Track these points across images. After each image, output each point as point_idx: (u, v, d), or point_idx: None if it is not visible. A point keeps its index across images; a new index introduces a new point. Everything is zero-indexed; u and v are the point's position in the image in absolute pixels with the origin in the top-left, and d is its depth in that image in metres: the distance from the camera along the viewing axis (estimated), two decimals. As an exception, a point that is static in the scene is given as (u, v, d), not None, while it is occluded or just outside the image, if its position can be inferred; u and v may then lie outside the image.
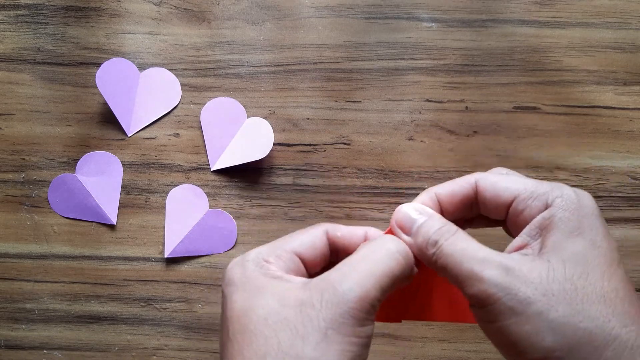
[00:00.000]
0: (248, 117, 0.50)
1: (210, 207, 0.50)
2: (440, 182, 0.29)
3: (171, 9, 0.50)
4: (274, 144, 0.49)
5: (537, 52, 0.49)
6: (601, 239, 0.25)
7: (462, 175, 0.49)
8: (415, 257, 0.27)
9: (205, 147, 0.50)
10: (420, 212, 0.27)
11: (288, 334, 0.23)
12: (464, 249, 0.25)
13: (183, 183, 0.50)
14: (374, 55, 0.49)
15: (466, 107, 0.49)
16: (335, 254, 0.29)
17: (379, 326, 0.49)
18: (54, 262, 0.50)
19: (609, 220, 0.48)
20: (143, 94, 0.50)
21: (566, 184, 0.27)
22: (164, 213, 0.49)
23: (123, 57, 0.50)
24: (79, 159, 0.50)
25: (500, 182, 0.27)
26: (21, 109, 0.50)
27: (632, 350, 0.22)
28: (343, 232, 0.29)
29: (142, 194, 0.50)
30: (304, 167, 0.49)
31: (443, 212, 0.28)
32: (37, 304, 0.50)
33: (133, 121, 0.50)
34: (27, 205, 0.50)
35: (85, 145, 0.50)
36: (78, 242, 0.50)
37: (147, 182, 0.50)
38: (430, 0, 0.49)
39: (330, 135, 0.49)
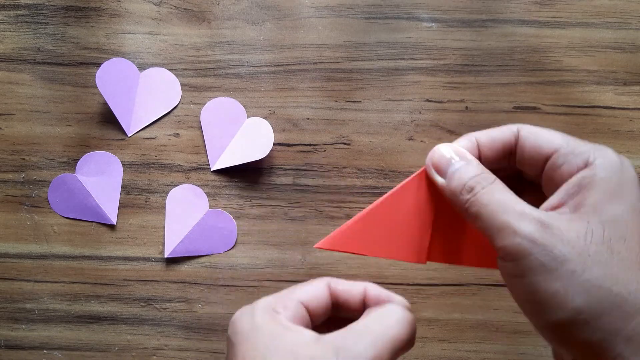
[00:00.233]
0: (248, 117, 0.50)
1: (210, 207, 0.50)
2: None
3: (171, 9, 0.50)
4: (274, 144, 0.49)
5: (537, 52, 0.49)
6: None
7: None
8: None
9: (205, 147, 0.50)
10: (458, 155, 0.27)
11: None
12: (501, 199, 0.24)
13: (183, 183, 0.50)
14: (374, 55, 0.49)
15: (466, 107, 0.49)
16: (335, 307, 0.29)
17: (379, 326, 0.49)
18: (54, 262, 0.50)
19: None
20: (143, 94, 0.50)
21: None
22: (164, 213, 0.49)
23: (123, 57, 0.50)
24: (79, 159, 0.50)
25: (543, 134, 0.26)
26: (21, 109, 0.50)
27: None
28: (344, 286, 0.29)
29: (142, 194, 0.50)
30: (304, 167, 0.49)
31: (481, 158, 0.28)
32: (37, 304, 0.50)
33: (133, 121, 0.50)
34: (27, 205, 0.50)
35: (85, 145, 0.50)
36: (78, 242, 0.50)
37: (147, 182, 0.50)
38: (430, 0, 0.49)
39: (330, 135, 0.49)
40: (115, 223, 0.50)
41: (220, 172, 0.50)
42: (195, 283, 0.49)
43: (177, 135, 0.50)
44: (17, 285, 0.50)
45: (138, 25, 0.50)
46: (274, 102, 0.50)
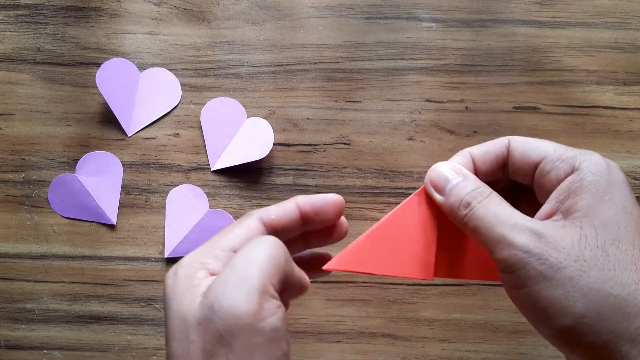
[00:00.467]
0: (248, 117, 0.50)
1: (210, 207, 0.50)
2: None
3: (171, 9, 0.50)
4: (274, 144, 0.49)
5: (537, 52, 0.49)
6: (632, 206, 0.24)
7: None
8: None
9: (205, 147, 0.50)
10: (455, 172, 0.27)
11: (199, 355, 0.23)
12: (497, 213, 0.25)
13: (183, 183, 0.50)
14: (374, 55, 0.49)
15: (466, 107, 0.49)
16: (278, 234, 0.28)
17: (379, 326, 0.49)
18: (54, 262, 0.50)
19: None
20: (143, 94, 0.50)
21: None
22: (164, 213, 0.49)
23: (123, 57, 0.50)
24: (79, 159, 0.50)
25: (531, 143, 0.27)
26: (21, 109, 0.50)
27: None
28: (276, 212, 0.28)
29: (142, 194, 0.50)
30: (304, 167, 0.49)
31: (477, 172, 0.28)
32: (37, 304, 0.50)
33: (133, 121, 0.50)
34: (27, 205, 0.50)
35: (85, 145, 0.50)
36: (78, 242, 0.50)
37: (147, 182, 0.50)
38: (430, 0, 0.49)
39: (330, 135, 0.49)
40: (115, 223, 0.50)
41: (220, 172, 0.50)
42: (195, 283, 0.49)
43: (177, 135, 0.50)
44: (17, 285, 0.50)
45: (138, 25, 0.50)
46: (274, 102, 0.50)
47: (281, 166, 0.50)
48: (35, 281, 0.50)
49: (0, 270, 0.50)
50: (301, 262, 0.30)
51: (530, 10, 0.49)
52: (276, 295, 0.24)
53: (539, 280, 0.23)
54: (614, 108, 0.49)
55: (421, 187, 0.29)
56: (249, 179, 0.50)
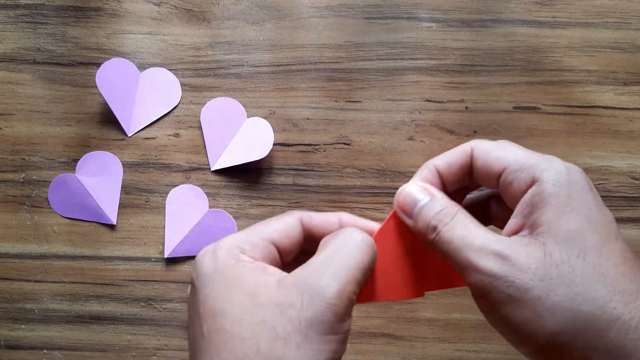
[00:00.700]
0: (248, 117, 0.50)
1: (210, 207, 0.50)
2: None
3: (171, 9, 0.50)
4: (274, 144, 0.49)
5: (537, 52, 0.49)
6: (595, 214, 0.24)
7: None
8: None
9: (205, 147, 0.50)
10: (422, 192, 0.27)
11: (267, 336, 0.22)
12: (462, 235, 0.24)
13: (183, 183, 0.50)
14: (374, 55, 0.49)
15: (466, 107, 0.49)
16: (309, 242, 0.28)
17: (379, 326, 0.49)
18: (54, 262, 0.50)
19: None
20: (143, 94, 0.50)
21: None
22: (164, 213, 0.49)
23: (123, 57, 0.50)
24: (79, 159, 0.50)
25: (493, 152, 0.26)
26: (21, 109, 0.50)
27: (636, 329, 0.22)
28: (317, 220, 0.28)
29: (142, 194, 0.50)
30: (304, 167, 0.49)
31: (444, 183, 0.28)
32: (37, 304, 0.50)
33: (133, 121, 0.50)
34: (27, 205, 0.50)
35: (85, 145, 0.50)
36: (78, 242, 0.50)
37: (147, 182, 0.50)
38: (430, 0, 0.49)
39: (330, 135, 0.49)
40: (115, 223, 0.50)
41: (220, 172, 0.50)
42: (195, 283, 0.49)
43: (177, 135, 0.50)
44: (17, 285, 0.50)
45: (138, 25, 0.50)
46: (274, 102, 0.50)
47: (281, 166, 0.50)
48: (35, 281, 0.50)
49: (0, 270, 0.50)
50: None
51: (530, 10, 0.49)
52: (355, 300, 0.24)
53: (508, 303, 0.23)
54: (614, 108, 0.49)
55: (393, 210, 0.29)
56: (249, 179, 0.50)
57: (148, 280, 0.50)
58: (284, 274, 0.25)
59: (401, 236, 0.29)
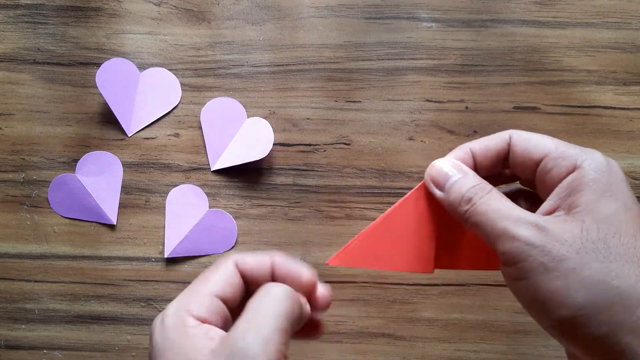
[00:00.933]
0: (248, 117, 0.50)
1: (210, 207, 0.50)
2: None
3: (171, 9, 0.50)
4: (274, 144, 0.49)
5: (537, 52, 0.49)
6: (632, 203, 0.25)
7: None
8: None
9: (205, 147, 0.50)
10: (454, 168, 0.28)
11: None
12: (498, 208, 0.25)
13: (183, 183, 0.50)
14: (374, 55, 0.49)
15: (466, 107, 0.49)
16: (250, 285, 0.29)
17: (379, 326, 0.49)
18: (54, 262, 0.50)
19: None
20: (143, 94, 0.50)
21: None
22: (164, 213, 0.49)
23: (123, 57, 0.50)
24: (79, 159, 0.50)
25: (533, 139, 0.27)
26: (21, 109, 0.50)
27: None
28: (251, 264, 0.28)
29: (142, 194, 0.50)
30: (304, 167, 0.49)
31: (477, 167, 0.29)
32: (37, 304, 0.50)
33: (133, 121, 0.50)
34: (27, 205, 0.50)
35: (85, 145, 0.50)
36: (78, 242, 0.50)
37: (147, 182, 0.50)
38: (430, 0, 0.49)
39: (330, 135, 0.49)
40: (115, 223, 0.50)
41: (220, 172, 0.50)
42: (195, 283, 0.49)
43: (177, 135, 0.50)
44: (17, 285, 0.50)
45: (138, 25, 0.50)
46: (274, 102, 0.50)
47: (281, 166, 0.50)
48: (35, 281, 0.50)
49: (0, 270, 0.50)
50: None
51: (530, 10, 0.49)
52: (287, 352, 0.24)
53: (541, 272, 0.23)
54: (614, 108, 0.49)
55: (420, 183, 0.29)
56: (249, 179, 0.50)
57: (148, 280, 0.50)
58: (215, 342, 0.25)
59: (419, 211, 0.29)
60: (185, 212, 0.49)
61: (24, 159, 0.50)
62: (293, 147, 0.50)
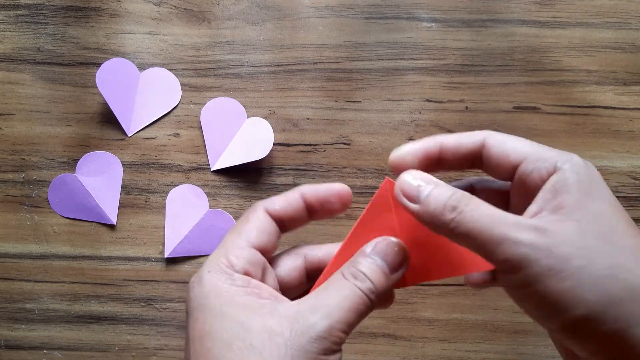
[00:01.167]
0: (248, 117, 0.50)
1: (210, 207, 0.50)
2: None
3: (171, 9, 0.50)
4: (274, 144, 0.49)
5: (537, 52, 0.49)
6: (616, 202, 0.25)
7: (461, 175, 0.49)
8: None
9: (205, 147, 0.50)
10: (424, 180, 0.26)
11: (253, 359, 0.23)
12: (491, 214, 0.24)
13: (183, 183, 0.50)
14: (374, 55, 0.49)
15: (466, 107, 0.49)
16: (282, 227, 0.28)
17: (379, 326, 0.49)
18: (54, 262, 0.50)
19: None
20: (143, 94, 0.50)
21: None
22: (164, 213, 0.49)
23: (123, 57, 0.50)
24: (79, 159, 0.50)
25: (509, 141, 0.27)
26: (21, 109, 0.50)
27: None
28: (280, 204, 0.28)
29: (142, 194, 0.50)
30: (304, 167, 0.49)
31: (441, 161, 0.28)
32: (37, 304, 0.50)
33: (133, 121, 0.50)
34: (27, 205, 0.50)
35: (85, 145, 0.50)
36: (78, 242, 0.50)
37: (147, 182, 0.50)
38: (430, 0, 0.49)
39: (330, 135, 0.49)
40: (115, 223, 0.50)
41: (220, 172, 0.50)
42: (195, 283, 0.49)
43: (177, 135, 0.50)
44: (17, 285, 0.50)
45: (138, 25, 0.50)
46: (274, 102, 0.50)
47: (281, 166, 0.50)
48: (35, 281, 0.50)
49: (0, 270, 0.50)
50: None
51: (530, 10, 0.49)
52: (344, 339, 0.25)
53: (549, 275, 0.23)
54: (614, 108, 0.49)
55: (372, 199, 0.28)
56: (249, 179, 0.50)
57: (148, 280, 0.50)
58: (278, 299, 0.25)
59: (383, 225, 0.28)
60: (185, 212, 0.49)
61: (24, 159, 0.50)
62: (293, 147, 0.50)
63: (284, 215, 0.28)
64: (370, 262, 0.26)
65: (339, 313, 0.24)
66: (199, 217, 0.49)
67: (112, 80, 0.49)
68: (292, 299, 0.26)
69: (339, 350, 0.24)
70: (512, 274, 0.24)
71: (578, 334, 0.23)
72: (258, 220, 0.27)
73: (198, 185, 0.50)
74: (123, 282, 0.50)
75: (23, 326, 0.50)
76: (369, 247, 0.27)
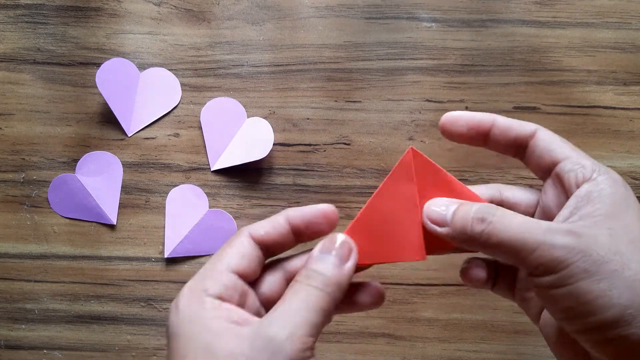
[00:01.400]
0: (248, 117, 0.50)
1: (210, 207, 0.50)
2: None
3: (171, 9, 0.50)
4: (274, 144, 0.49)
5: (537, 52, 0.49)
6: None
7: (462, 175, 0.49)
8: None
9: (205, 147, 0.50)
10: (449, 202, 0.27)
11: None
12: (522, 221, 0.25)
13: (183, 183, 0.50)
14: (374, 55, 0.49)
15: (466, 107, 0.49)
16: (266, 253, 0.29)
17: (379, 326, 0.49)
18: (54, 262, 0.50)
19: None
20: (143, 94, 0.50)
21: None
22: (164, 213, 0.49)
23: (123, 57, 0.50)
24: (79, 159, 0.50)
25: (557, 140, 0.29)
26: (21, 109, 0.50)
27: None
28: (265, 228, 0.28)
29: (142, 194, 0.50)
30: (304, 167, 0.49)
31: (489, 139, 0.29)
32: (37, 304, 0.50)
33: (133, 121, 0.50)
34: (27, 205, 0.50)
35: (85, 145, 0.50)
36: (78, 242, 0.50)
37: (147, 182, 0.50)
38: (430, 0, 0.49)
39: (330, 135, 0.49)
40: (115, 223, 0.50)
41: (220, 172, 0.50)
42: (195, 283, 0.49)
43: (177, 135, 0.50)
44: (17, 285, 0.50)
45: (138, 25, 0.50)
46: (274, 102, 0.50)
47: (281, 166, 0.50)
48: (35, 281, 0.50)
49: (0, 270, 0.50)
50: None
51: (530, 10, 0.49)
52: (314, 345, 0.25)
53: (584, 277, 0.23)
54: (614, 108, 0.49)
55: (397, 164, 0.29)
56: (249, 179, 0.50)
57: (148, 280, 0.50)
58: (248, 320, 0.25)
59: (401, 197, 0.29)
60: (185, 212, 0.49)
61: (24, 159, 0.50)
62: (293, 147, 0.50)
63: (268, 240, 0.28)
64: (319, 260, 0.27)
65: (298, 317, 0.24)
66: (199, 217, 0.49)
67: (112, 80, 0.49)
68: None
69: (310, 356, 0.24)
70: (548, 275, 0.24)
71: (607, 336, 0.24)
72: (241, 245, 0.27)
73: (198, 185, 0.50)
74: (123, 282, 0.50)
75: (23, 326, 0.50)
76: (316, 249, 0.27)
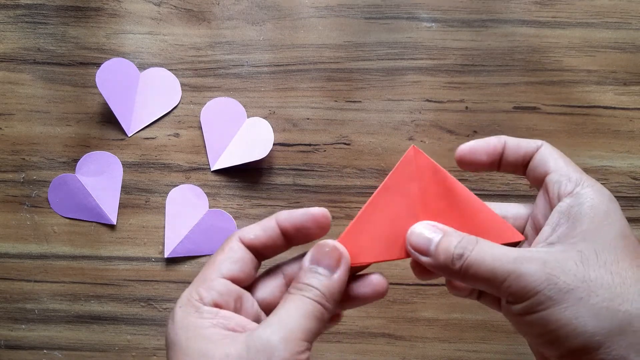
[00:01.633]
0: (248, 117, 0.50)
1: (210, 207, 0.50)
2: None
3: (171, 9, 0.50)
4: (274, 144, 0.49)
5: (537, 52, 0.49)
6: (628, 232, 0.26)
7: (462, 175, 0.49)
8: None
9: (205, 147, 0.50)
10: (433, 230, 0.28)
11: None
12: (494, 253, 0.25)
13: (183, 183, 0.50)
14: (374, 55, 0.49)
15: (466, 107, 0.49)
16: (258, 256, 0.29)
17: (379, 326, 0.49)
18: (54, 262, 0.50)
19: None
20: (143, 94, 0.50)
21: None
22: (164, 213, 0.50)
23: (123, 57, 0.50)
24: (79, 159, 0.50)
25: (555, 155, 0.29)
26: (21, 109, 0.50)
27: None
28: (255, 232, 0.28)
29: (142, 194, 0.50)
30: (304, 167, 0.49)
31: (502, 158, 0.29)
32: (37, 304, 0.50)
33: (133, 121, 0.50)
34: (27, 205, 0.50)
35: (85, 145, 0.50)
36: (78, 242, 0.50)
37: (147, 182, 0.50)
38: (430, 0, 0.49)
39: (330, 135, 0.49)
40: (115, 223, 0.50)
41: (220, 172, 0.50)
42: (195, 283, 0.49)
43: (177, 135, 0.50)
44: (17, 285, 0.50)
45: (138, 25, 0.50)
46: (274, 102, 0.50)
47: (281, 166, 0.50)
48: (35, 281, 0.50)
49: (0, 270, 0.50)
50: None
51: (530, 10, 0.49)
52: (308, 352, 0.25)
53: (550, 305, 0.24)
54: (614, 108, 0.49)
55: (396, 165, 0.29)
56: (249, 179, 0.50)
57: (148, 280, 0.50)
58: (246, 327, 0.25)
59: (401, 194, 0.29)
60: (185, 212, 0.49)
61: (24, 159, 0.50)
62: (293, 147, 0.50)
63: (259, 244, 0.28)
64: (308, 272, 0.27)
65: (293, 322, 0.24)
66: (199, 217, 0.49)
67: (112, 80, 0.49)
68: None
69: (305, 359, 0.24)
70: (517, 304, 0.25)
71: None
72: (231, 250, 0.28)
73: (198, 185, 0.50)
74: (123, 282, 0.50)
75: (23, 326, 0.50)
76: (306, 260, 0.27)
